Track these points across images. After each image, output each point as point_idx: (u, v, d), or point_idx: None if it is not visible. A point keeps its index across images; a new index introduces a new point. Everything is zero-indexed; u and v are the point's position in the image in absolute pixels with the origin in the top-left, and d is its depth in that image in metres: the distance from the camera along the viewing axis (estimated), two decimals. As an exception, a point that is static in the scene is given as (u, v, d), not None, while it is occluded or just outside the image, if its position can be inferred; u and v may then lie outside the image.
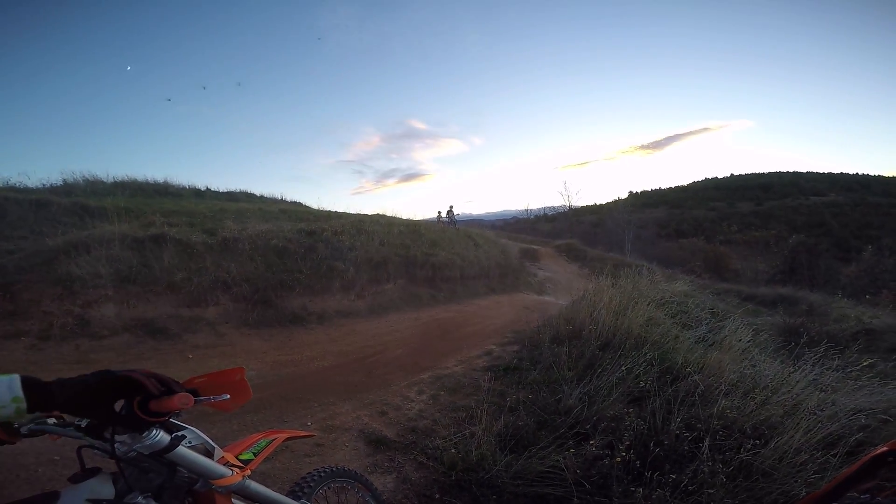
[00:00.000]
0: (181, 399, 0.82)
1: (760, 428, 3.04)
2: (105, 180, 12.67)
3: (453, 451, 2.95)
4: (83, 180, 12.10)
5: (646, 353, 4.19)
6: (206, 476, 1.00)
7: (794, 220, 35.89)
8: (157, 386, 0.83)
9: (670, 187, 57.39)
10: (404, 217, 14.19)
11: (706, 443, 2.73)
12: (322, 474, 1.62)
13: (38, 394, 0.71)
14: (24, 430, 0.91)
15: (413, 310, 8.38)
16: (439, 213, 18.74)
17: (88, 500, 0.80)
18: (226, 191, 16.17)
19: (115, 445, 0.84)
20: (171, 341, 5.30)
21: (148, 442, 0.84)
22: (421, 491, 2.70)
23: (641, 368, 3.90)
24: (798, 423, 2.95)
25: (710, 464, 2.58)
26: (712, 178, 58.24)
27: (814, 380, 3.88)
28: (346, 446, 3.21)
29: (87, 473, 0.85)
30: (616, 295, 5.90)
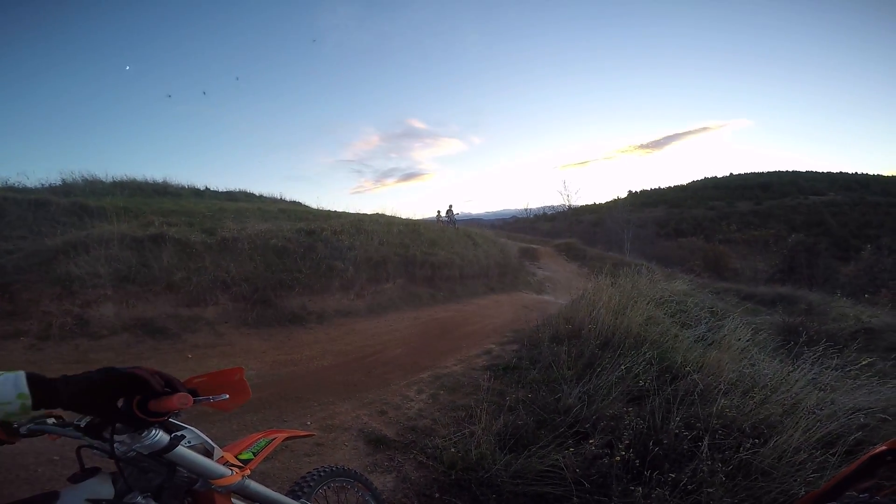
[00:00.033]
0: (180, 399, 0.81)
1: (759, 427, 3.04)
2: (104, 180, 12.68)
3: (453, 450, 2.95)
4: (82, 180, 12.12)
5: (645, 353, 4.20)
6: (205, 476, 1.00)
7: (793, 220, 35.93)
8: (161, 384, 0.84)
9: (669, 187, 57.47)
10: (404, 216, 14.21)
11: (705, 442, 2.73)
12: (322, 474, 1.62)
13: (43, 390, 0.71)
14: (23, 430, 0.91)
15: (412, 309, 8.38)
16: (439, 212, 18.73)
17: (88, 499, 0.80)
18: (225, 190, 16.20)
19: (115, 445, 0.84)
20: (171, 341, 5.29)
21: (147, 442, 0.83)
22: (421, 490, 2.70)
23: (641, 367, 3.90)
24: (797, 422, 2.95)
25: (709, 463, 2.58)
26: (711, 178, 58.30)
27: (813, 379, 3.89)
28: (346, 446, 3.21)
29: (86, 473, 0.85)
30: (615, 294, 5.91)
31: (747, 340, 5.09)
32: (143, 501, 0.86)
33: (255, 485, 1.17)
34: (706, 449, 2.68)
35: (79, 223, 7.15)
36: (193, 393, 0.89)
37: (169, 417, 0.91)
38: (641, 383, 3.70)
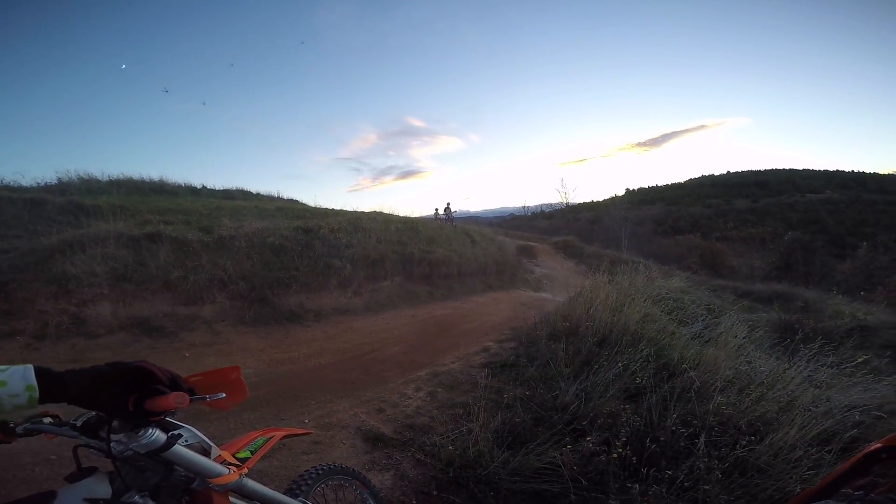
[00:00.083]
0: (176, 398, 0.81)
1: (756, 424, 3.06)
2: (100, 179, 12.65)
3: (451, 447, 2.96)
4: (78, 179, 12.07)
5: (642, 350, 4.21)
6: (202, 475, 1.00)
7: (789, 217, 36.02)
8: (167, 378, 0.85)
9: (667, 184, 57.51)
10: (401, 214, 14.18)
11: (702, 439, 2.74)
12: (319, 472, 1.62)
13: (51, 383, 0.72)
14: (19, 429, 0.91)
15: (410, 307, 8.38)
16: (437, 210, 18.75)
17: (85, 499, 0.80)
18: (222, 189, 16.15)
19: (111, 444, 0.83)
20: (168, 340, 5.28)
21: (144, 441, 0.83)
22: (419, 488, 2.71)
23: (638, 365, 3.92)
24: (793, 420, 2.97)
25: (705, 460, 2.60)
26: (709, 176, 58.36)
27: (808, 376, 3.91)
28: (344, 444, 3.21)
29: (83, 473, 0.85)
30: (612, 291, 5.92)
31: (744, 338, 5.11)
32: (141, 500, 0.86)
33: (252, 483, 1.17)
34: (703, 446, 2.69)
35: (75, 222, 7.12)
36: (190, 392, 0.89)
37: (166, 416, 0.91)
38: (638, 380, 3.72)
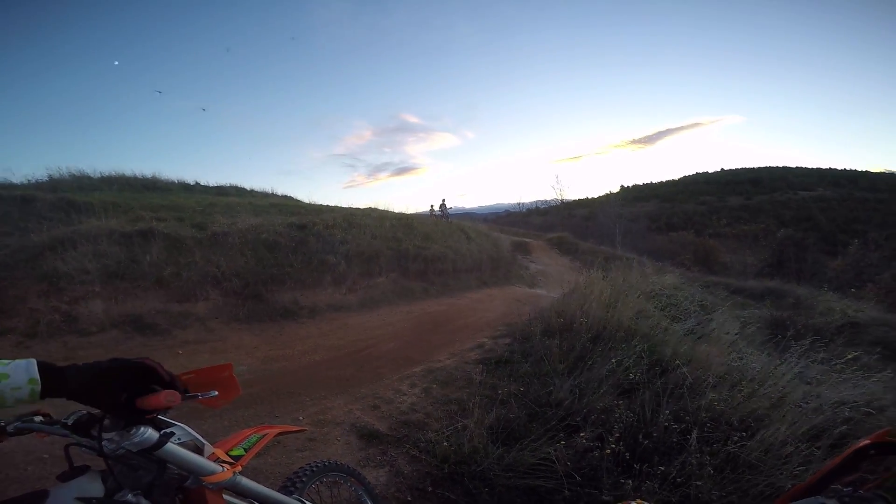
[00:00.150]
0: (167, 396, 0.81)
1: (747, 420, 3.09)
2: (92, 175, 12.55)
3: (445, 444, 2.97)
4: (69, 176, 11.97)
5: (635, 346, 4.24)
6: (196, 473, 0.99)
7: (782, 215, 36.20)
8: (168, 376, 0.85)
9: (661, 181, 57.61)
10: (396, 211, 14.16)
11: (694, 435, 2.76)
12: (314, 469, 1.62)
13: (53, 378, 0.73)
14: (10, 428, 0.90)
15: (405, 303, 8.37)
16: (432, 206, 18.70)
17: (78, 498, 0.79)
18: (215, 185, 16.04)
19: (103, 443, 0.83)
20: (160, 337, 5.25)
21: (136, 439, 0.83)
22: (413, 484, 2.72)
23: (631, 361, 3.94)
24: (784, 416, 3.00)
25: (697, 456, 2.62)
26: (703, 173, 58.50)
27: (799, 372, 3.95)
28: (339, 440, 3.21)
29: (75, 472, 0.85)
30: (607, 288, 5.95)
31: (736, 334, 5.16)
32: (134, 499, 0.86)
33: (246, 481, 1.17)
34: (695, 442, 2.71)
35: (66, 219, 7.04)
36: (183, 390, 0.89)
37: (158, 414, 0.90)
38: (632, 376, 3.74)
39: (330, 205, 14.52)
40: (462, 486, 2.67)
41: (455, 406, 3.74)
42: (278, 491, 1.36)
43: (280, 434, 1.56)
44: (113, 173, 13.12)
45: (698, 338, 5.00)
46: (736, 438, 2.79)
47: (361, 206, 14.35)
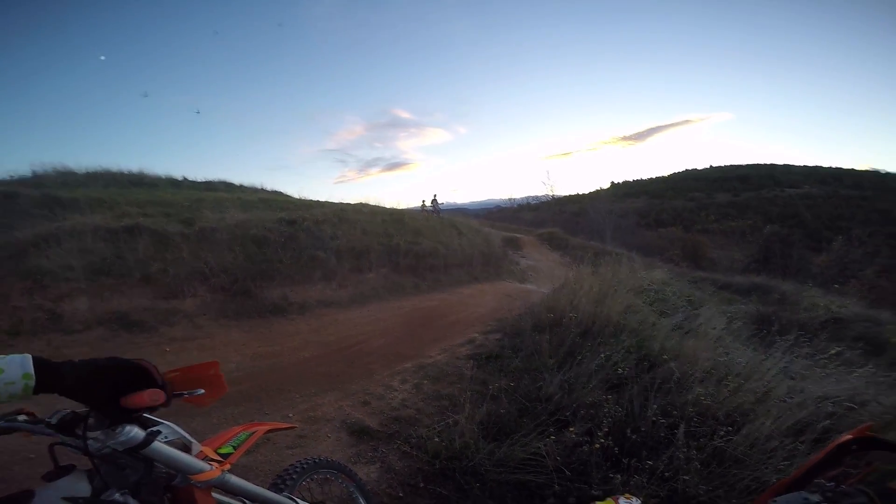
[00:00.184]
0: (151, 395, 0.81)
1: (733, 415, 3.13)
2: (77, 171, 12.35)
3: (437, 439, 2.98)
4: (54, 172, 11.76)
5: (624, 341, 4.28)
6: (184, 471, 0.99)
7: (769, 211, 36.63)
8: (161, 379, 0.86)
9: (651, 178, 58.04)
10: (388, 206, 14.11)
11: (681, 429, 2.80)
12: (304, 466, 1.62)
13: (48, 374, 0.73)
14: (-7, 427, 0.88)
15: (396, 299, 8.35)
16: (423, 202, 18.67)
17: (64, 497, 0.78)
18: (204, 180, 15.85)
19: (89, 442, 0.82)
20: (147, 334, 5.19)
21: (121, 438, 0.82)
22: (405, 480, 2.72)
23: (620, 356, 3.98)
24: (769, 411, 3.05)
25: (685, 450, 2.66)
26: (692, 170, 58.97)
27: (784, 367, 4.01)
28: (329, 437, 3.20)
29: (61, 471, 0.83)
30: (596, 283, 5.99)
31: (723, 329, 5.22)
32: (121, 498, 0.85)
33: (235, 479, 1.16)
34: (682, 436, 2.75)
35: (50, 215, 6.91)
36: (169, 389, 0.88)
37: (144, 413, 0.89)
38: (620, 371, 3.77)
39: (320, 200, 14.44)
40: (453, 482, 2.68)
41: (446, 401, 3.75)
42: (268, 489, 1.36)
43: (270, 431, 1.55)
44: (98, 169, 12.94)
45: (686, 333, 5.06)
46: (722, 433, 2.83)
47: (352, 202, 14.29)
